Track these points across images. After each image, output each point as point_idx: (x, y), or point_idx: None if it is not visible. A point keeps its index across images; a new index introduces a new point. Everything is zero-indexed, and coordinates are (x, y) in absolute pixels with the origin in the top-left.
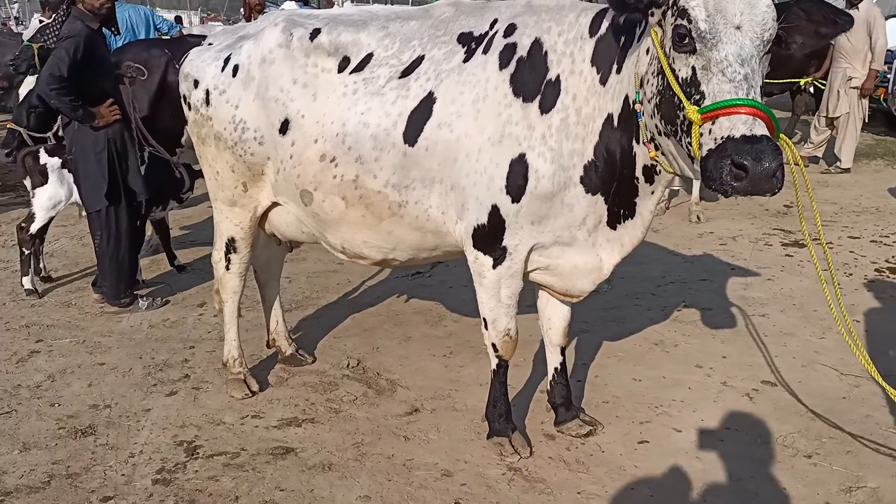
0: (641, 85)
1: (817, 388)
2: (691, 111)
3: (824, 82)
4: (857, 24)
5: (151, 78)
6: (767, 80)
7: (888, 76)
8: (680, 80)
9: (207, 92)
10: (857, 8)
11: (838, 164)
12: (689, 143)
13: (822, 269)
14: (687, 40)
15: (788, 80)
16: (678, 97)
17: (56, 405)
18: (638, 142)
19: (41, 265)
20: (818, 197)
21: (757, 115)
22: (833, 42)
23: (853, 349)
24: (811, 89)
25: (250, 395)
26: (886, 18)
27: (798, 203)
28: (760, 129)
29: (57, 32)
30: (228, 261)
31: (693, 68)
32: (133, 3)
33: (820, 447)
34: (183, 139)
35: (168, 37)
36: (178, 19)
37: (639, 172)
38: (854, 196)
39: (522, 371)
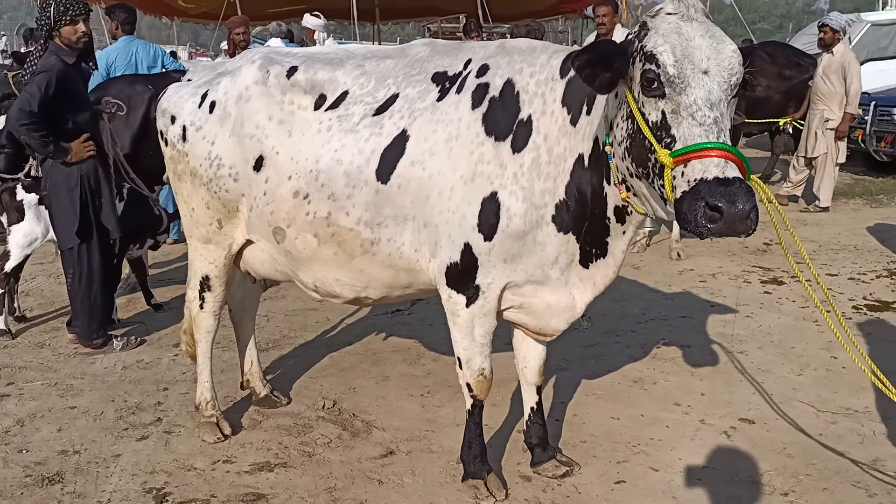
0: (611, 128)
1: (794, 426)
2: (663, 154)
3: (803, 122)
4: (833, 68)
5: (134, 114)
6: (748, 121)
7: (865, 118)
8: (650, 123)
9: (184, 128)
10: (832, 52)
11: (817, 202)
12: (662, 186)
13: (816, 293)
14: (655, 85)
15: (768, 121)
16: (649, 140)
17: (24, 451)
18: (609, 182)
19: (16, 304)
20: (798, 235)
21: (728, 157)
22: (811, 84)
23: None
24: (790, 129)
25: (222, 438)
26: (862, 63)
27: (781, 240)
28: (733, 172)
29: (34, 65)
30: (203, 299)
31: (663, 112)
32: (145, 40)
33: (797, 485)
34: (164, 176)
35: None
36: (174, 54)
37: (610, 213)
38: (832, 234)
39: (500, 410)
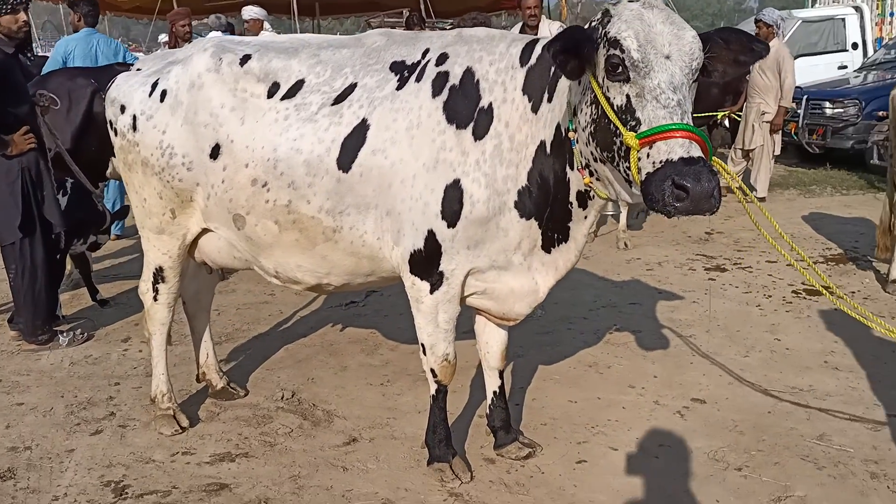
0: (575, 114)
1: (743, 404)
2: (629, 137)
3: (740, 114)
4: (768, 63)
5: (76, 108)
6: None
7: (798, 111)
8: (615, 107)
9: (134, 117)
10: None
11: (754, 193)
12: (628, 168)
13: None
14: (620, 69)
15: (705, 114)
16: (614, 124)
17: None
18: (572, 168)
19: None
20: (736, 224)
21: (692, 138)
22: (748, 78)
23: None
24: (727, 123)
25: (180, 431)
26: (795, 58)
27: (751, 216)
28: (697, 152)
29: None
30: (156, 291)
31: (627, 96)
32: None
33: (749, 460)
34: (108, 171)
35: None
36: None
37: (573, 198)
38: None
39: (460, 397)
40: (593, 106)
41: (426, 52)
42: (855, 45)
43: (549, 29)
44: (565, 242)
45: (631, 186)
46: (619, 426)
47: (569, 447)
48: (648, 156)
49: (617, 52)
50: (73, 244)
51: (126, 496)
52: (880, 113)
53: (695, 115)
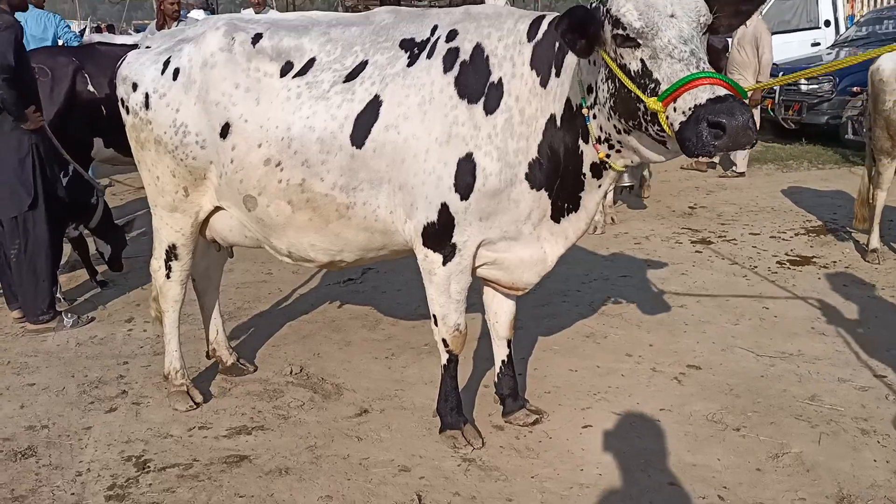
0: (589, 91)
1: (737, 369)
2: (652, 102)
3: None
4: (747, 39)
5: (59, 87)
6: None
7: (774, 88)
8: (632, 74)
9: (147, 95)
10: (746, 24)
11: (734, 168)
12: (660, 131)
13: None
14: (628, 40)
15: None
16: (635, 93)
17: None
18: (586, 141)
19: None
20: (718, 199)
21: (715, 82)
22: (727, 55)
23: None
24: None
25: (194, 406)
26: (773, 34)
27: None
28: (722, 91)
29: None
30: (169, 269)
31: (642, 60)
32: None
33: (746, 421)
34: (93, 152)
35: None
36: (98, 29)
37: (586, 169)
38: (751, 197)
39: (465, 367)
40: (610, 81)
41: (435, 28)
42: (827, 23)
43: None
44: (575, 212)
45: (665, 146)
46: (619, 392)
47: (574, 413)
48: (675, 109)
49: (619, 30)
50: (69, 227)
51: (148, 469)
52: (854, 88)
53: None
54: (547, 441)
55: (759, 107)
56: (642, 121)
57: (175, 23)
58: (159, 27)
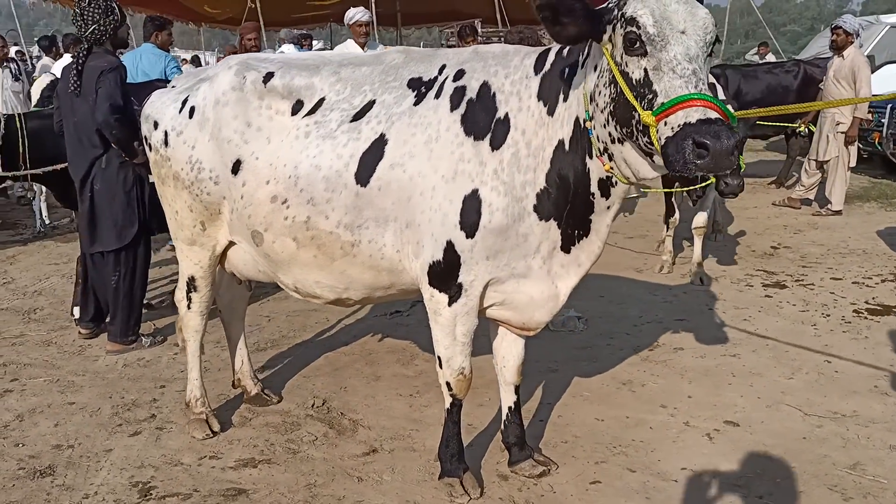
0: (592, 99)
1: (779, 429)
2: (646, 116)
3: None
4: (844, 73)
5: None
6: (761, 122)
7: (882, 121)
8: (633, 82)
9: (166, 133)
10: (843, 56)
11: (829, 206)
12: (648, 143)
13: None
14: (638, 44)
15: (781, 124)
16: (631, 102)
17: (20, 445)
18: (591, 157)
19: None
20: (805, 239)
21: (709, 106)
22: (822, 87)
23: None
24: (805, 132)
25: (211, 435)
26: (882, 65)
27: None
28: (714, 114)
29: (79, 69)
30: (190, 300)
31: (645, 69)
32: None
33: (774, 488)
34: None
35: None
36: (196, 59)
37: (594, 188)
38: (842, 238)
39: (487, 410)
40: (612, 86)
41: (443, 68)
42: None
43: None
44: (586, 237)
45: (652, 159)
46: (642, 447)
47: (585, 467)
48: (666, 124)
49: (633, 28)
50: None
51: (150, 497)
52: None
53: (772, 124)
54: (550, 496)
55: (856, 142)
56: (634, 130)
57: None
58: None
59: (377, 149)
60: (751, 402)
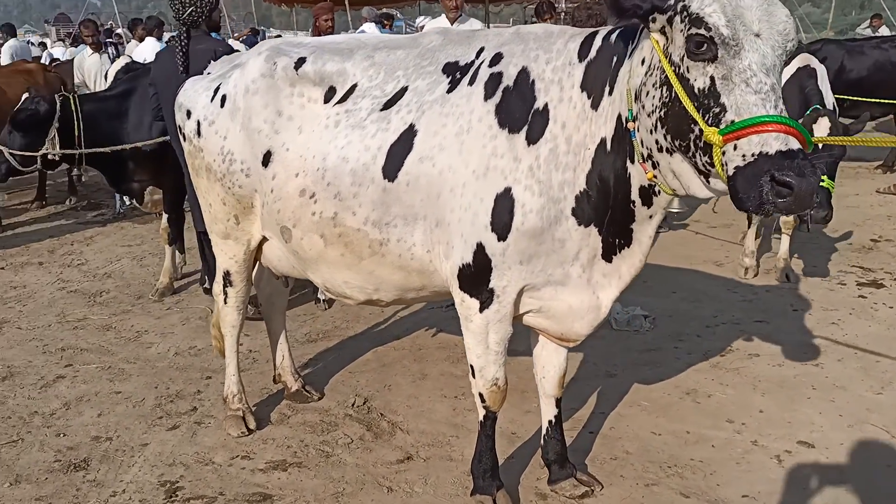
0: (637, 98)
1: (860, 452)
2: (710, 133)
3: None
4: None
5: None
6: (867, 101)
7: None
8: (696, 90)
9: (199, 123)
10: None
11: None
12: (709, 163)
13: None
14: (706, 47)
15: (891, 101)
16: (691, 114)
17: (62, 435)
18: (633, 162)
19: None
20: None
21: (790, 133)
22: None
23: None
24: None
25: (246, 433)
26: None
27: None
28: (795, 144)
29: (184, 51)
30: (226, 294)
31: (712, 78)
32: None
33: None
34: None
35: None
36: (255, 31)
37: (635, 195)
38: None
39: (534, 418)
40: (663, 88)
41: (481, 51)
42: None
43: None
44: (628, 247)
45: (707, 179)
46: (700, 468)
47: (633, 489)
48: (736, 148)
49: (701, 30)
50: None
51: (175, 499)
52: None
53: (879, 101)
54: None
55: None
56: (692, 146)
57: None
58: None
59: (406, 140)
60: (830, 421)
